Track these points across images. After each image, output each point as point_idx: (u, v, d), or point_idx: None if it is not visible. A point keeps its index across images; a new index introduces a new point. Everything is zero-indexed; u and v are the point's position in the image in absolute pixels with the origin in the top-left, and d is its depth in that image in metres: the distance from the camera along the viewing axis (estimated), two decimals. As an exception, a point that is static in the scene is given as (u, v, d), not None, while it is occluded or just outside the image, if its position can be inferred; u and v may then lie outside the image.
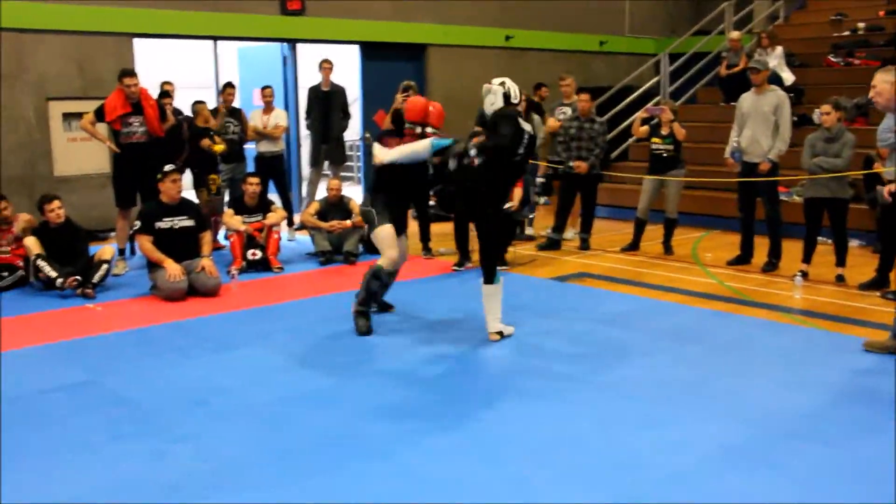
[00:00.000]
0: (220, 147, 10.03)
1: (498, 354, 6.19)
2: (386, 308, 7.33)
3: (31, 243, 8.12)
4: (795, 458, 4.39)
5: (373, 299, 6.89)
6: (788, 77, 12.94)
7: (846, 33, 14.80)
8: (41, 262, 7.96)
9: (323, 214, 9.74)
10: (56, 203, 8.29)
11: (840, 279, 8.42)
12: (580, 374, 5.72)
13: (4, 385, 5.52)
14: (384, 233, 6.76)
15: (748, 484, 4.10)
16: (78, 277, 7.92)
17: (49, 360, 6.08)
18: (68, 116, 11.07)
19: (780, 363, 5.97)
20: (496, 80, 6.50)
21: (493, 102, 6.45)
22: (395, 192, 6.88)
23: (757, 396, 5.29)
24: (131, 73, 8.95)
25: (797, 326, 6.88)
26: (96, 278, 8.00)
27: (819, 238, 8.66)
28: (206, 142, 9.88)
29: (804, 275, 8.44)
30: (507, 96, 6.44)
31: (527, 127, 6.42)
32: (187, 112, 10.33)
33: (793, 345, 6.40)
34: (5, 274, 8.24)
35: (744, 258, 9.26)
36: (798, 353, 6.20)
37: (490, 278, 6.45)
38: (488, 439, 4.63)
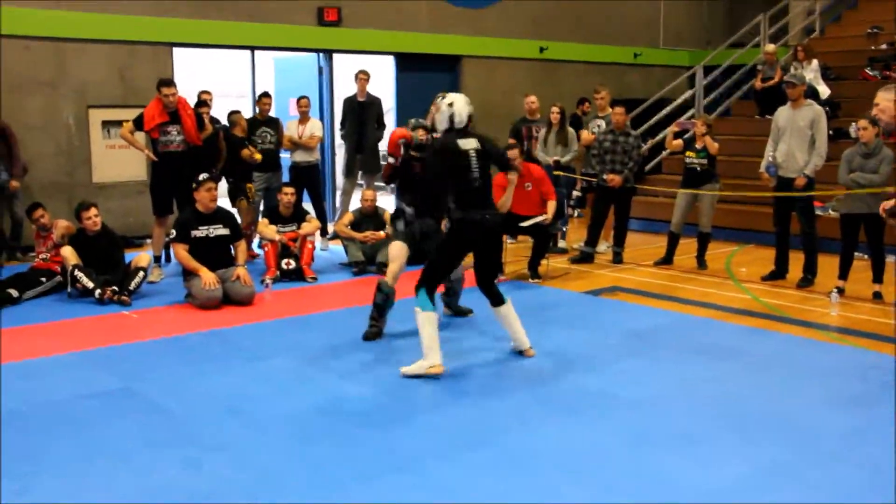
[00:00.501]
0: (259, 156, 10.12)
1: (529, 368, 6.18)
2: (463, 313, 7.65)
3: (68, 253, 8.22)
4: (834, 478, 4.35)
5: (378, 310, 6.93)
6: (824, 90, 12.86)
7: (883, 46, 14.69)
8: (78, 273, 8.05)
9: (357, 225, 9.78)
10: (93, 211, 8.38)
11: (877, 296, 8.33)
12: (613, 389, 5.70)
13: (41, 391, 5.62)
14: (393, 248, 7.06)
15: (782, 504, 4.07)
16: (115, 288, 8.02)
17: (85, 367, 6.15)
18: (108, 124, 11.24)
19: (817, 381, 5.92)
20: (447, 99, 6.14)
21: (440, 121, 6.17)
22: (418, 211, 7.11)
23: (793, 415, 5.24)
24: (169, 83, 9.04)
25: (834, 344, 6.82)
26: (132, 285, 8.10)
27: (856, 254, 8.58)
28: (246, 151, 9.97)
29: (840, 291, 8.37)
30: (451, 119, 6.09)
31: (464, 145, 6.04)
32: (224, 121, 10.43)
33: (829, 363, 6.33)
34: (43, 279, 8.36)
35: (779, 273, 9.19)
36: (835, 372, 6.13)
37: (502, 298, 6.39)
38: (520, 454, 4.62)
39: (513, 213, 9.21)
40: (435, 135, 6.68)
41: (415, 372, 5.85)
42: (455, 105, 6.08)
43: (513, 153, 8.72)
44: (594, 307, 8.18)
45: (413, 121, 7.33)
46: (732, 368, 6.19)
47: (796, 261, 9.02)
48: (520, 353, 6.37)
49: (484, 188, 6.13)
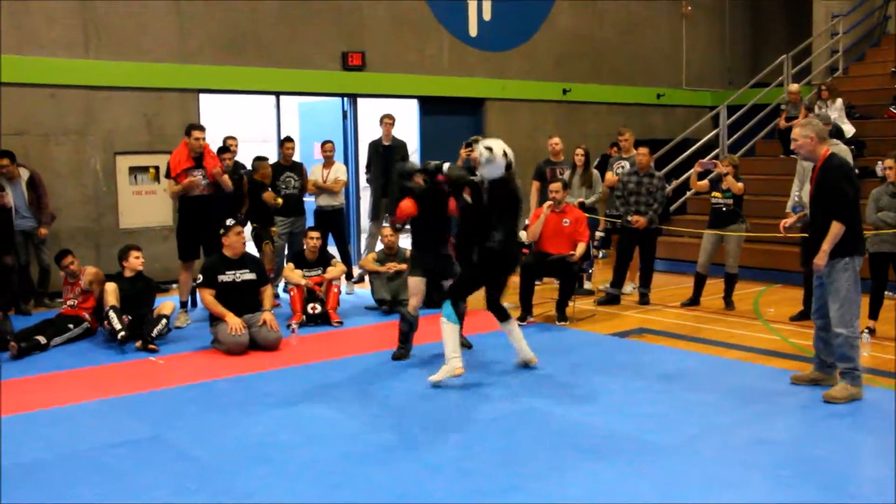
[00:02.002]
0: (280, 200, 10.21)
1: (558, 413, 6.12)
2: (463, 345, 7.83)
3: (111, 290, 8.28)
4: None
5: (404, 337, 7.69)
6: (849, 129, 12.82)
7: (907, 85, 14.64)
8: (112, 314, 8.10)
9: (380, 263, 9.83)
10: (139, 253, 8.63)
11: (870, 332, 8.22)
12: (642, 433, 5.64)
13: (69, 439, 5.63)
14: (411, 283, 7.68)
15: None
16: (129, 317, 8.09)
17: (113, 414, 6.16)
18: (134, 170, 11.38)
19: (848, 423, 5.83)
20: (495, 145, 6.84)
21: (495, 168, 6.84)
22: (428, 245, 7.73)
23: (825, 460, 5.16)
24: (200, 127, 9.15)
25: (866, 386, 6.72)
26: (155, 332, 8.11)
27: (886, 293, 8.49)
28: (268, 195, 10.05)
29: (871, 331, 8.27)
30: (509, 165, 6.90)
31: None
32: (249, 166, 10.51)
33: (863, 406, 6.23)
34: (71, 326, 8.41)
35: (807, 313, 9.08)
36: (867, 415, 6.04)
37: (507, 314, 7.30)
38: (552, 500, 4.57)
39: (543, 251, 9.25)
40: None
41: (440, 378, 6.66)
42: (505, 147, 6.83)
43: (555, 186, 9.37)
44: (621, 350, 8.12)
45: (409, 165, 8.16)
46: (763, 411, 6.11)
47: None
48: (525, 365, 7.17)
49: (516, 227, 7.15)
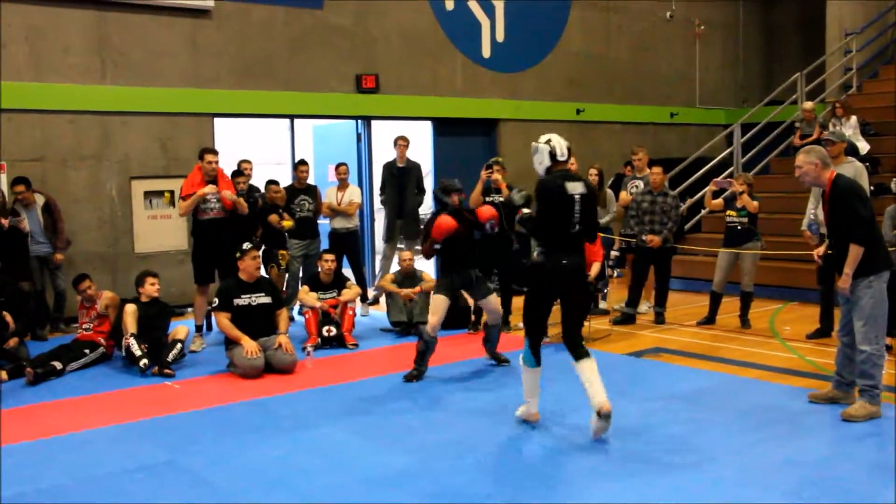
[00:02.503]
0: (288, 223, 10.25)
1: (575, 434, 6.09)
2: (499, 360, 8.20)
3: (130, 311, 8.31)
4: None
5: (420, 357, 7.60)
6: (864, 146, 12.77)
7: (922, 101, 14.57)
8: (132, 341, 8.12)
9: (397, 285, 9.85)
10: (157, 279, 8.68)
11: (887, 349, 8.15)
12: (661, 454, 5.60)
13: (86, 464, 5.64)
14: (435, 301, 7.70)
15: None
16: (146, 347, 8.10)
17: (130, 439, 6.17)
18: (150, 195, 11.43)
19: (871, 445, 5.78)
20: (542, 137, 6.15)
21: (540, 161, 6.12)
22: (457, 265, 7.83)
23: (851, 480, 5.12)
24: (213, 151, 9.21)
25: (885, 404, 6.66)
26: (170, 357, 8.12)
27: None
28: (273, 217, 10.11)
29: (889, 349, 8.20)
30: (552, 154, 6.07)
31: (572, 189, 5.97)
32: (264, 190, 10.56)
33: (882, 424, 6.16)
34: (87, 351, 8.43)
35: (824, 331, 9.05)
36: (890, 435, 5.97)
37: (584, 352, 6.10)
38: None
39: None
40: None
41: (519, 416, 6.27)
42: (553, 139, 6.08)
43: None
44: (638, 369, 8.09)
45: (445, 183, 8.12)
46: (782, 431, 6.07)
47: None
48: (597, 415, 5.81)
49: (581, 234, 6.05)
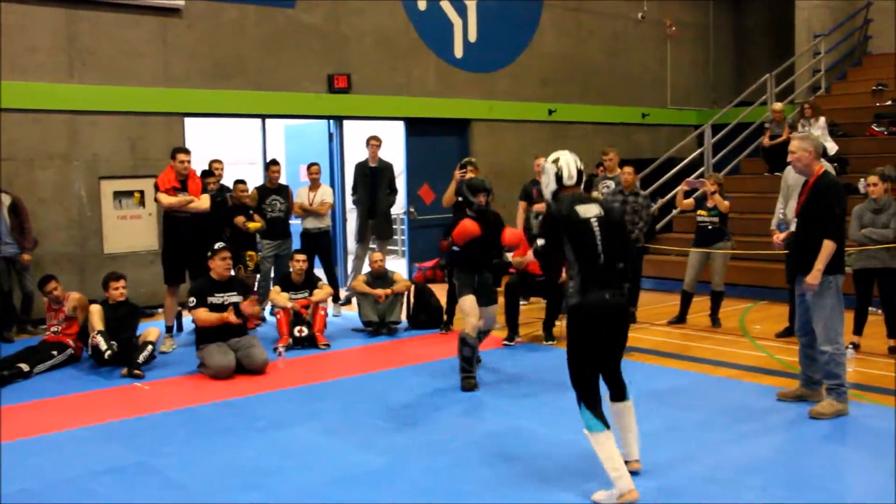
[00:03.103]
0: (254, 225, 10.19)
1: (547, 433, 6.10)
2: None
3: (96, 311, 8.27)
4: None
5: (468, 363, 7.28)
6: (832, 147, 12.90)
7: (888, 103, 14.78)
8: (99, 337, 8.07)
9: (368, 286, 9.81)
10: (122, 282, 8.55)
11: (893, 351, 8.27)
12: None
13: (54, 467, 5.57)
14: (466, 303, 7.33)
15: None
16: (114, 343, 8.04)
17: (99, 442, 6.10)
18: (119, 195, 11.31)
19: (837, 441, 5.84)
20: (551, 157, 5.34)
21: (546, 184, 5.33)
22: (475, 267, 7.50)
23: (818, 477, 5.16)
24: (185, 150, 9.16)
25: (852, 401, 6.72)
26: (141, 359, 8.04)
27: (870, 309, 8.52)
28: (240, 219, 10.06)
29: (856, 347, 8.30)
30: (559, 177, 5.23)
31: (585, 212, 5.07)
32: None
33: (848, 422, 6.24)
34: (55, 353, 8.33)
35: (793, 330, 9.12)
36: (855, 432, 6.05)
37: (623, 393, 5.32)
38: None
39: (529, 272, 9.25)
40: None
41: (607, 501, 4.84)
42: (561, 160, 5.24)
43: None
44: (610, 369, 8.10)
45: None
46: (751, 429, 6.12)
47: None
48: (626, 463, 5.02)
49: (610, 264, 5.04)
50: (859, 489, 4.97)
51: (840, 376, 6.33)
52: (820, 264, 6.21)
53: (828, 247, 6.19)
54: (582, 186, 5.29)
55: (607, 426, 4.95)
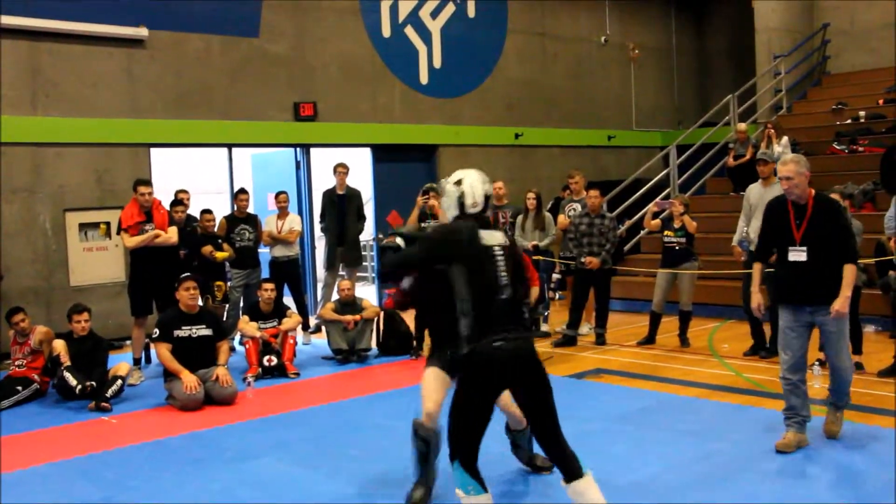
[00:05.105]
0: (222, 255, 10.16)
1: (515, 458, 6.09)
2: (541, 469, 5.75)
3: (61, 347, 8.23)
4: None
5: (421, 463, 5.21)
6: (795, 166, 13.03)
7: (848, 121, 15.03)
8: (67, 374, 8.01)
9: (337, 314, 9.78)
10: (84, 315, 8.45)
11: (858, 367, 8.32)
12: (604, 475, 5.58)
13: (21, 504, 5.49)
14: (427, 380, 5.34)
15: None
16: (93, 383, 7.98)
17: (63, 478, 6.02)
18: (85, 226, 11.24)
19: (811, 457, 5.86)
20: (454, 176, 4.59)
21: (447, 208, 4.58)
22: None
23: (787, 495, 5.19)
24: (146, 182, 9.17)
25: (821, 417, 6.76)
26: (110, 393, 7.97)
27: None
28: (207, 248, 10.03)
29: (822, 363, 8.34)
30: (461, 203, 4.50)
31: (488, 238, 4.41)
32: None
33: (820, 438, 6.27)
34: (19, 388, 8.24)
35: (758, 347, 9.23)
36: (826, 446, 6.08)
37: (578, 469, 4.40)
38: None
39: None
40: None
41: None
42: (465, 182, 4.49)
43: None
44: (579, 391, 8.13)
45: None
46: (721, 448, 6.14)
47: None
48: None
49: (514, 302, 4.35)
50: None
51: (848, 392, 6.24)
52: (847, 291, 5.85)
53: (851, 271, 5.88)
54: (489, 212, 4.60)
55: (486, 490, 4.31)
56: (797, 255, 5.97)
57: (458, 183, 4.50)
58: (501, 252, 4.38)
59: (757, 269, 6.44)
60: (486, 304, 4.24)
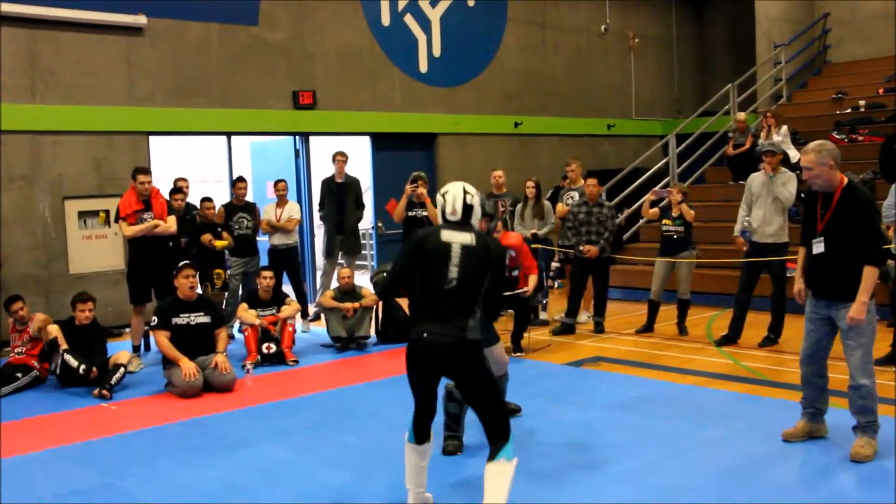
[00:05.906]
0: (221, 243, 10.17)
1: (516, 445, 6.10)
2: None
3: (56, 331, 8.24)
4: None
5: (454, 420, 5.94)
6: (794, 154, 13.02)
7: (848, 111, 15.03)
8: (68, 357, 8.03)
9: (337, 301, 9.80)
10: (90, 305, 8.44)
11: (770, 342, 8.33)
12: (599, 462, 5.65)
13: (16, 492, 5.50)
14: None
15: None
16: (96, 368, 8.00)
17: (63, 464, 6.04)
18: (84, 214, 11.23)
19: (807, 446, 5.88)
20: (443, 189, 4.93)
21: (438, 214, 4.95)
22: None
23: (782, 485, 5.21)
24: (145, 171, 9.17)
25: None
26: (113, 380, 7.98)
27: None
28: (206, 237, 10.03)
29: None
30: (442, 212, 4.82)
31: (450, 237, 4.67)
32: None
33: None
34: (19, 375, 8.26)
35: (733, 338, 9.27)
36: (829, 434, 6.07)
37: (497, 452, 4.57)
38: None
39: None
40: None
41: None
42: (448, 194, 4.81)
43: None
44: (578, 379, 8.15)
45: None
46: (718, 437, 6.15)
47: (755, 324, 9.17)
48: None
49: (459, 296, 4.55)
50: (824, 493, 5.01)
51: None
52: (864, 296, 5.44)
53: (872, 275, 5.44)
54: (474, 220, 4.80)
55: (418, 441, 4.77)
56: (817, 246, 5.70)
57: (444, 195, 4.83)
58: (460, 250, 4.60)
59: (801, 253, 6.04)
60: (429, 297, 4.59)
